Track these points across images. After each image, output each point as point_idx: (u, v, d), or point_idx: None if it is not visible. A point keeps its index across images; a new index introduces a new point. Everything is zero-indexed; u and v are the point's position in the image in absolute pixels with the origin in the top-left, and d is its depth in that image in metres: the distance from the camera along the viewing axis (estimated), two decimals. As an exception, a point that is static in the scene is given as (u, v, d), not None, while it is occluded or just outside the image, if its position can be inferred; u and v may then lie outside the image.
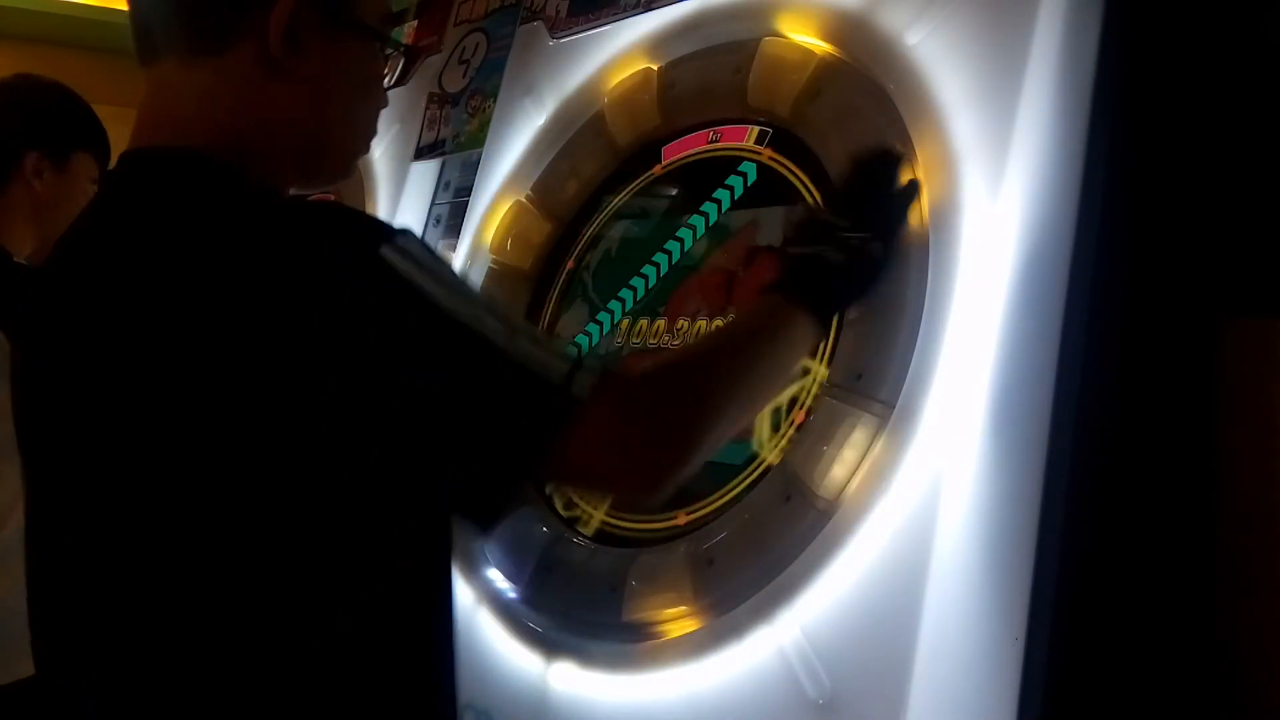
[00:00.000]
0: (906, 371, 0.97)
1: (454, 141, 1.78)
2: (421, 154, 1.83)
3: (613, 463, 0.74)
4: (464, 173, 1.70)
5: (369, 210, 1.88)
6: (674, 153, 1.34)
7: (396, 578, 0.74)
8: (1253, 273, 0.97)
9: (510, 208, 1.49)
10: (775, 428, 1.08)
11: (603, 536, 1.19)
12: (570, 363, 0.72)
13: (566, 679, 1.12)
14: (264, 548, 0.69)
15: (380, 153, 1.87)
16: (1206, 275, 0.99)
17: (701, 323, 1.21)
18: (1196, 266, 0.99)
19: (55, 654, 0.81)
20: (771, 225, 1.17)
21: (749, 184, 1.23)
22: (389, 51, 0.87)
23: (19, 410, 0.83)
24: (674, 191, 1.34)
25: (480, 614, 1.23)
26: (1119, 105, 0.91)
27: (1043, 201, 0.91)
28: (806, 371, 1.06)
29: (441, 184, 1.76)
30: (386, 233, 0.71)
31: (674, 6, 1.36)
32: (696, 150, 1.32)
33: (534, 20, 1.62)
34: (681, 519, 1.12)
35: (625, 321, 1.31)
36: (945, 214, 0.99)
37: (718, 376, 0.80)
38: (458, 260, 1.55)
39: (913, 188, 0.99)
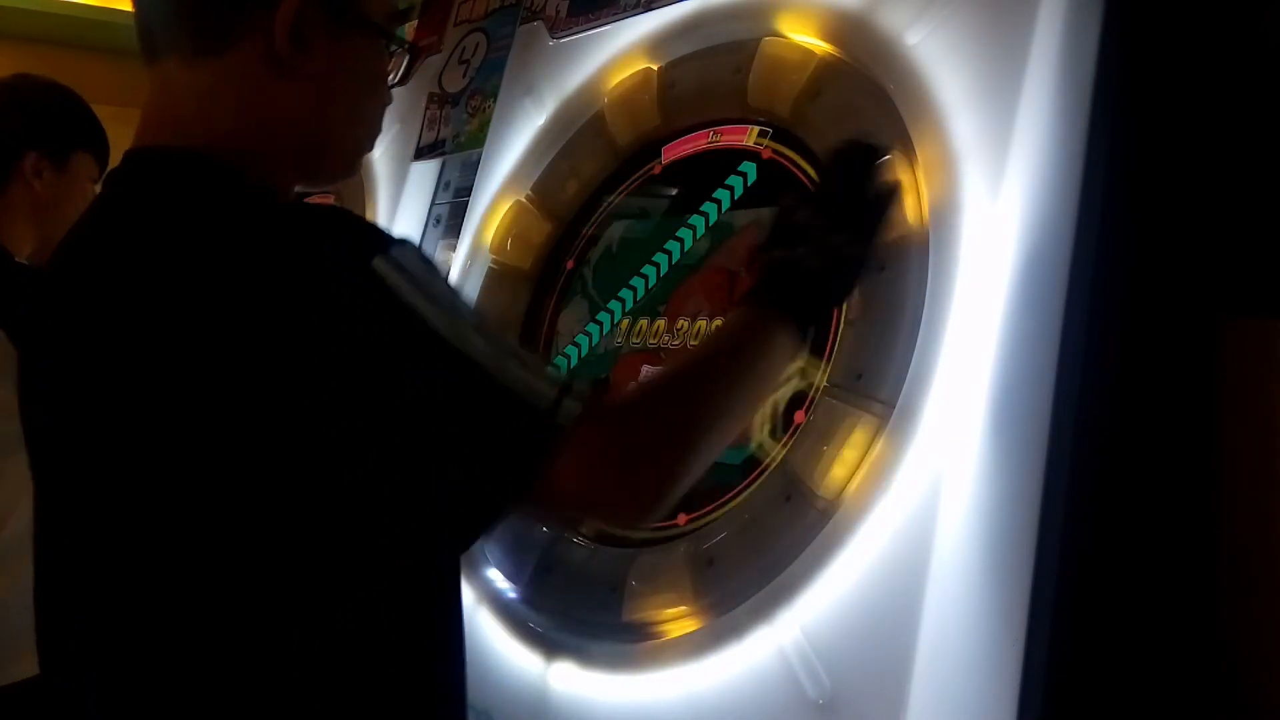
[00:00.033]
0: (906, 371, 0.97)
1: (454, 141, 1.78)
2: (421, 154, 1.83)
3: (599, 489, 0.73)
4: (464, 173, 1.70)
5: (369, 211, 1.89)
6: (674, 152, 1.34)
7: (400, 578, 0.74)
8: (1253, 273, 0.97)
9: (510, 208, 1.49)
10: (774, 434, 1.09)
11: (603, 537, 1.19)
12: (558, 387, 0.71)
13: (566, 679, 1.12)
14: (262, 547, 0.69)
15: (380, 153, 1.87)
16: (1206, 275, 0.99)
17: (702, 322, 1.21)
18: (1196, 266, 0.99)
19: (58, 654, 0.81)
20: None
21: (749, 184, 1.23)
22: (393, 49, 0.86)
23: (25, 412, 0.83)
24: (674, 191, 1.34)
25: (480, 614, 1.23)
26: (1119, 105, 0.91)
27: (1043, 201, 0.91)
28: (805, 374, 1.06)
29: (441, 184, 1.76)
30: (381, 243, 0.70)
31: (674, 6, 1.36)
32: (696, 150, 1.32)
33: (534, 20, 1.62)
34: (682, 519, 1.12)
35: (625, 321, 1.31)
36: (945, 214, 0.99)
37: (701, 397, 0.79)
38: (458, 260, 1.55)
39: (894, 183, 0.96)
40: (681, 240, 1.28)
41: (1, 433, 1.44)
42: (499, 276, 1.47)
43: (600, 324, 1.34)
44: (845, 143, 0.96)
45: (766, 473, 1.07)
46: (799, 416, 1.06)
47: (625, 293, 1.32)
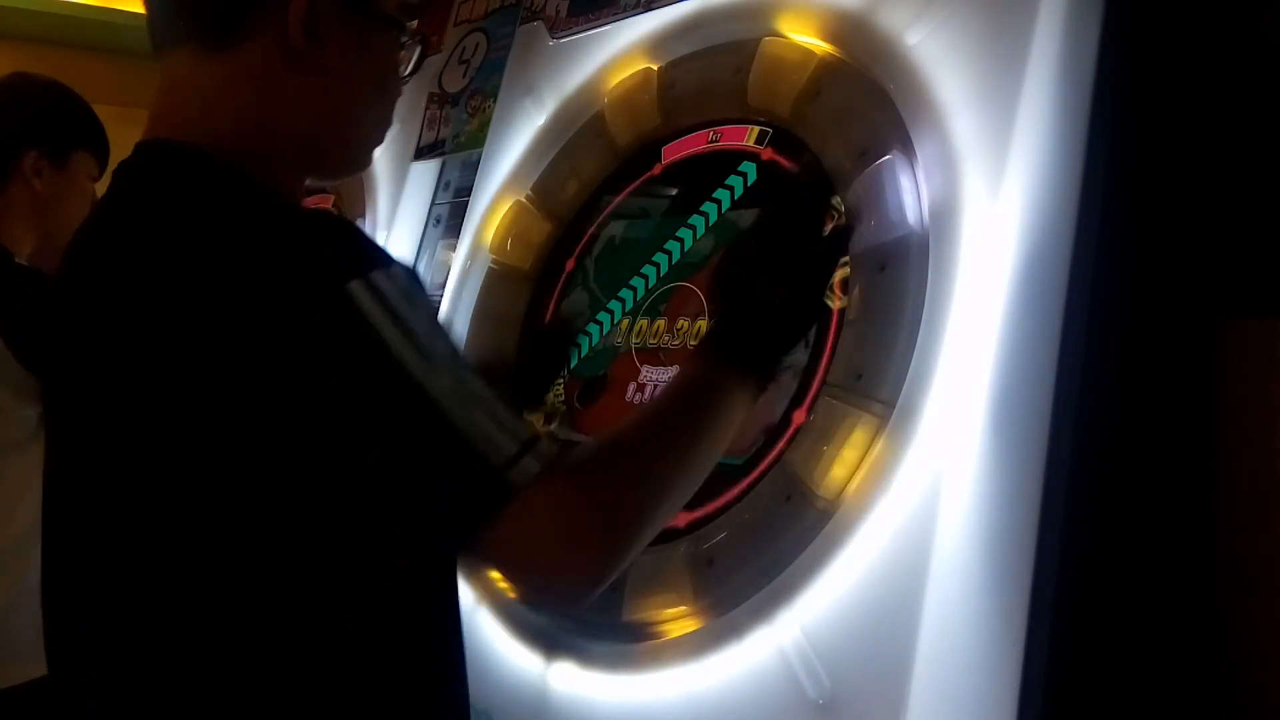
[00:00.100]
0: (906, 371, 0.97)
1: (454, 141, 1.78)
2: (421, 154, 1.83)
3: (537, 563, 0.70)
4: (464, 173, 1.70)
5: (369, 211, 1.89)
6: (674, 153, 1.34)
7: (396, 578, 0.74)
8: (1253, 273, 0.97)
9: (510, 208, 1.49)
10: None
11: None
12: (519, 443, 0.68)
13: (566, 679, 1.12)
14: (252, 545, 0.69)
15: (380, 153, 1.87)
16: (1206, 275, 0.99)
17: (701, 322, 1.21)
18: (1196, 266, 0.99)
19: (63, 655, 0.81)
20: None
21: (749, 184, 1.23)
22: (405, 41, 0.86)
23: (44, 414, 0.84)
24: (674, 191, 1.34)
25: (480, 614, 1.23)
26: (1119, 105, 0.91)
27: (1043, 201, 0.91)
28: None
29: (441, 184, 1.76)
30: (364, 265, 0.68)
31: (674, 6, 1.36)
32: (696, 150, 1.32)
33: (534, 20, 1.62)
34: (681, 520, 1.12)
35: (625, 321, 1.31)
36: (945, 214, 0.99)
37: (660, 469, 0.76)
38: (458, 260, 1.55)
39: (837, 232, 0.94)
40: (681, 240, 1.28)
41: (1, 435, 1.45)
42: (499, 276, 1.47)
43: (600, 324, 1.34)
44: (787, 184, 0.94)
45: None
46: (799, 416, 1.06)
47: (625, 293, 1.32)
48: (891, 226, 1.02)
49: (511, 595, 1.22)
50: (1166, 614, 0.96)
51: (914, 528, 0.91)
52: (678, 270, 1.27)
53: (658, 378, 1.23)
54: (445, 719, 0.80)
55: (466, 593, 1.25)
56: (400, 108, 0.89)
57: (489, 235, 1.50)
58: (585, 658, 1.11)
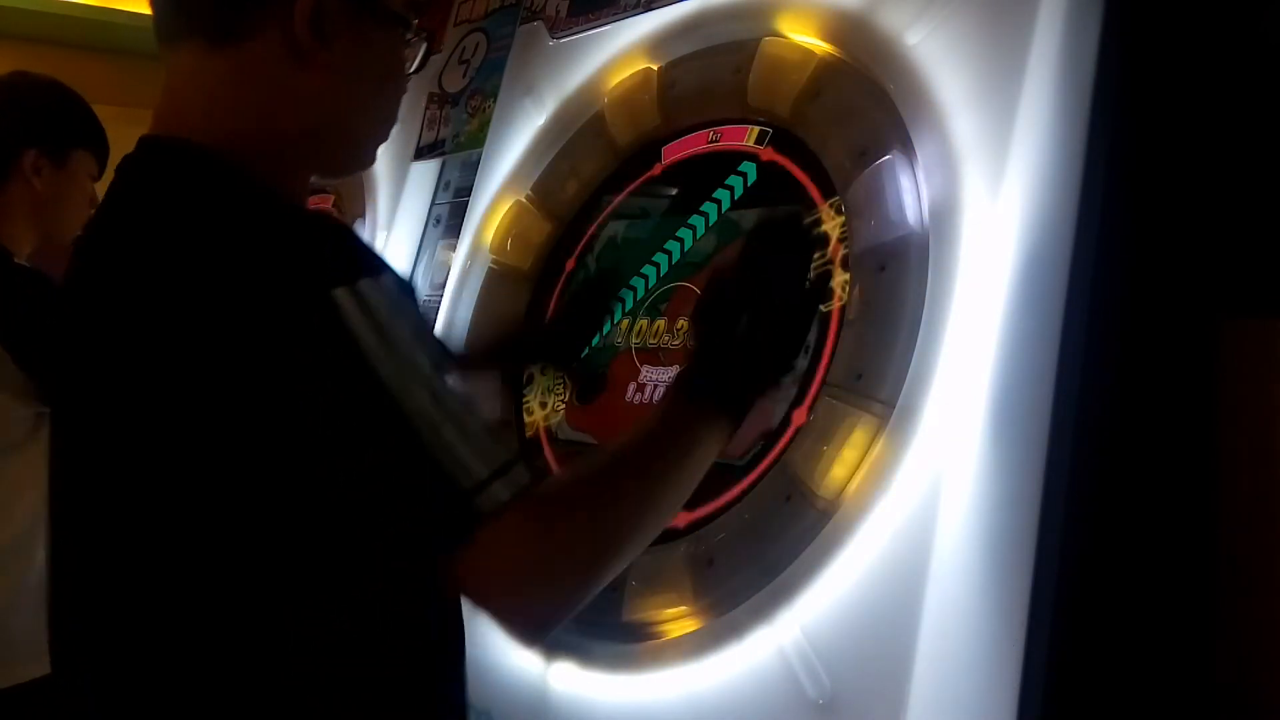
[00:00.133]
0: (906, 371, 0.97)
1: (454, 141, 1.78)
2: (421, 154, 1.83)
3: (496, 596, 0.69)
4: (464, 173, 1.70)
5: (369, 211, 1.88)
6: (674, 153, 1.34)
7: (394, 578, 0.73)
8: (1253, 273, 0.97)
9: (510, 208, 1.49)
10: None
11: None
12: (491, 469, 0.67)
13: (566, 679, 1.12)
14: (247, 547, 0.69)
15: (380, 152, 1.87)
16: (1206, 275, 0.99)
17: (701, 323, 1.21)
18: (1196, 266, 0.99)
19: (63, 655, 0.81)
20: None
21: (749, 184, 1.23)
22: (411, 38, 0.86)
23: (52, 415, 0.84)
24: (674, 191, 1.34)
25: (480, 614, 1.23)
26: (1119, 105, 0.91)
27: (1043, 201, 0.91)
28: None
29: (441, 184, 1.76)
30: (352, 272, 0.67)
31: (674, 6, 1.36)
32: (697, 150, 1.32)
33: (534, 20, 1.62)
34: (682, 519, 1.12)
35: (625, 321, 1.31)
36: (945, 214, 0.99)
37: (625, 511, 0.76)
38: (458, 260, 1.55)
39: (822, 276, 0.95)
40: (681, 240, 1.28)
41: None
42: (499, 276, 1.47)
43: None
44: (773, 217, 0.94)
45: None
46: (799, 416, 1.06)
47: (625, 292, 1.32)
48: (891, 226, 1.02)
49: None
50: (1167, 614, 0.96)
51: (914, 528, 0.91)
52: (678, 270, 1.27)
53: (658, 378, 1.23)
54: (444, 718, 0.80)
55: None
56: (400, 107, 0.89)
57: (489, 235, 1.50)
58: (585, 658, 1.11)
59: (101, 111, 1.62)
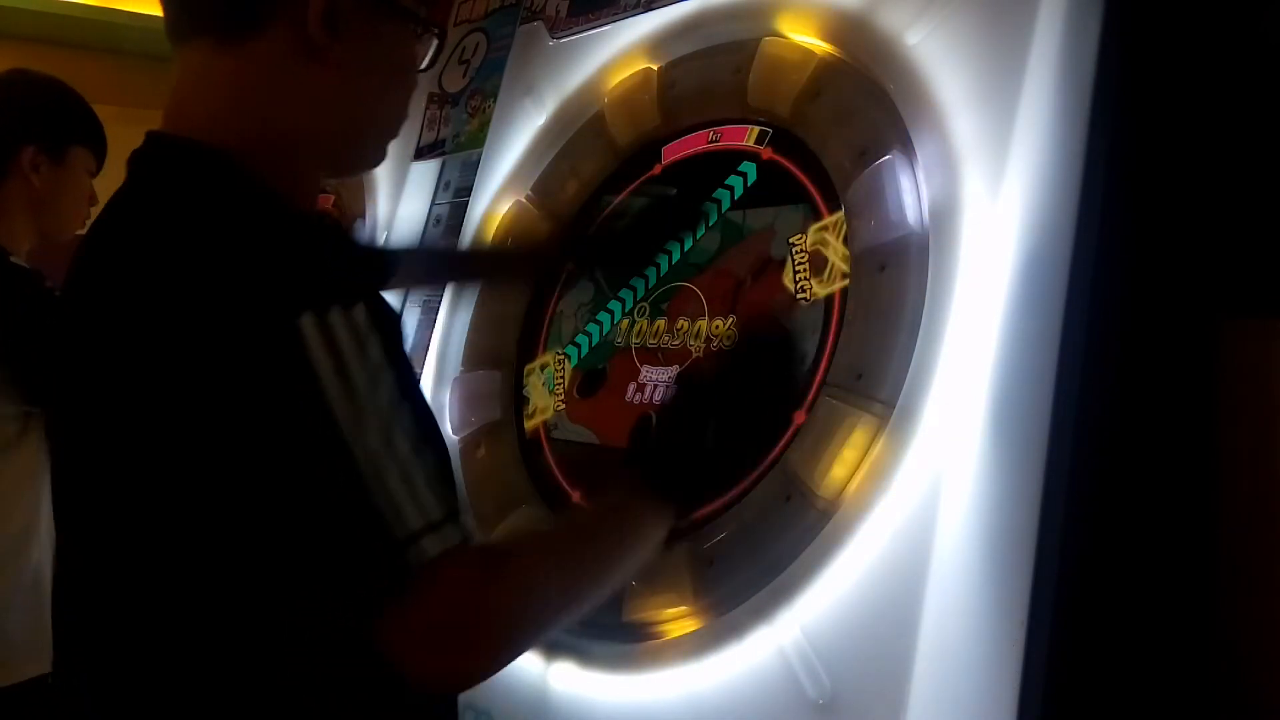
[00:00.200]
0: (906, 371, 0.97)
1: (454, 141, 1.78)
2: (421, 154, 1.83)
3: (411, 650, 0.67)
4: (464, 173, 1.70)
5: (369, 211, 1.88)
6: (674, 153, 1.34)
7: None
8: (1253, 273, 0.97)
9: (510, 208, 1.49)
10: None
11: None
12: (427, 521, 0.66)
13: (566, 679, 1.12)
14: (231, 549, 0.69)
15: (380, 152, 1.87)
16: (1206, 275, 0.99)
17: (701, 323, 1.21)
18: (1196, 266, 0.99)
19: (62, 654, 0.82)
20: (784, 231, 1.17)
21: (749, 184, 1.23)
22: (422, 33, 0.86)
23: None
24: (674, 191, 1.34)
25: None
26: (1119, 105, 0.91)
27: (1043, 201, 0.91)
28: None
29: (441, 184, 1.76)
30: (323, 300, 0.66)
31: (674, 6, 1.36)
32: (697, 150, 1.31)
33: (534, 20, 1.62)
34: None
35: (625, 321, 1.31)
36: (945, 214, 0.99)
37: (560, 585, 0.76)
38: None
39: (798, 370, 0.97)
40: (681, 240, 1.28)
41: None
42: (499, 276, 1.47)
43: (600, 324, 1.34)
44: (766, 329, 0.99)
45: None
46: (799, 416, 1.06)
47: (625, 292, 1.32)
48: (891, 226, 1.02)
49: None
50: (1167, 614, 0.96)
51: (914, 528, 0.91)
52: (678, 270, 1.27)
53: (657, 378, 1.23)
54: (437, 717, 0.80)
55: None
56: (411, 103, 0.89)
57: (489, 235, 1.50)
58: (585, 658, 1.11)
59: (101, 111, 1.62)
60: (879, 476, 0.96)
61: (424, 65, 0.88)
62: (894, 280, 1.00)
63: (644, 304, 1.29)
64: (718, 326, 1.19)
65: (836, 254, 1.09)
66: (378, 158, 0.89)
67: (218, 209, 0.73)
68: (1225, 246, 0.99)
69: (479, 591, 0.68)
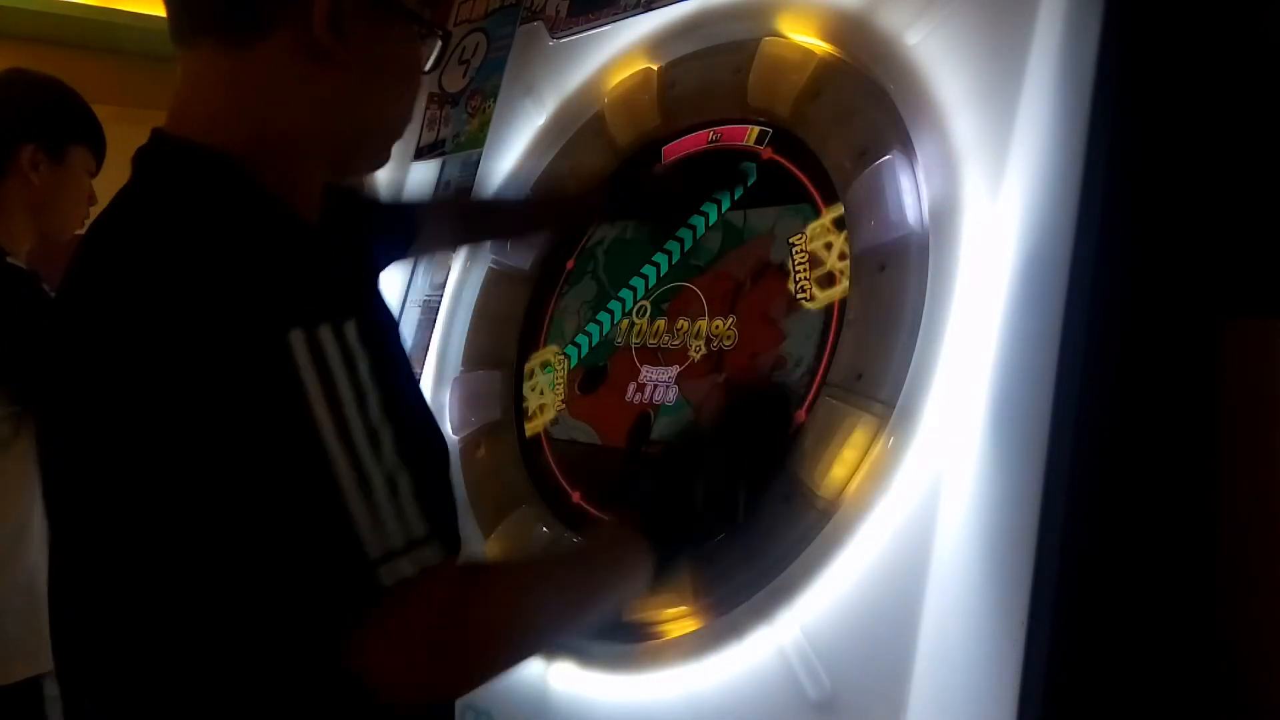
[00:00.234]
0: (906, 371, 0.97)
1: (454, 141, 1.78)
2: (421, 154, 1.83)
3: (382, 668, 0.67)
4: (464, 173, 1.70)
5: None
6: (674, 153, 1.34)
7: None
8: (1253, 273, 0.97)
9: (510, 208, 1.49)
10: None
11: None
12: (406, 540, 0.66)
13: (566, 679, 1.12)
14: (222, 555, 0.69)
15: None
16: (1206, 275, 0.99)
17: (701, 322, 1.21)
18: (1196, 266, 0.99)
19: (59, 652, 0.82)
20: (784, 233, 1.17)
21: (749, 184, 1.23)
22: (426, 35, 0.86)
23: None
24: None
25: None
26: (1119, 105, 0.91)
27: (1043, 201, 0.91)
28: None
29: (441, 184, 1.76)
30: (314, 315, 0.66)
31: (674, 6, 1.36)
32: (697, 150, 1.31)
33: (534, 20, 1.62)
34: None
35: (625, 322, 1.31)
36: (945, 214, 0.99)
37: (533, 620, 0.76)
38: (458, 260, 1.55)
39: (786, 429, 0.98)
40: (682, 240, 1.28)
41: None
42: (499, 276, 1.47)
43: (600, 324, 1.34)
44: (760, 388, 1.00)
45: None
46: (799, 416, 1.06)
47: (625, 293, 1.32)
48: (891, 226, 1.02)
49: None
50: (1167, 614, 0.96)
51: (914, 528, 0.91)
52: (678, 270, 1.27)
53: (657, 378, 1.23)
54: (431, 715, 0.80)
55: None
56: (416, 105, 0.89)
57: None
58: (585, 658, 1.11)
59: (101, 111, 1.62)
60: (879, 476, 0.96)
61: (428, 67, 0.87)
62: (894, 280, 1.00)
63: (644, 303, 1.29)
64: (718, 326, 1.19)
65: (835, 256, 1.09)
66: (381, 160, 0.89)
67: (215, 217, 0.72)
68: (1225, 246, 0.99)
69: (454, 613, 0.68)
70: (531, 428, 1.35)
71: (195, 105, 0.79)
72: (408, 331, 1.62)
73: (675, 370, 1.21)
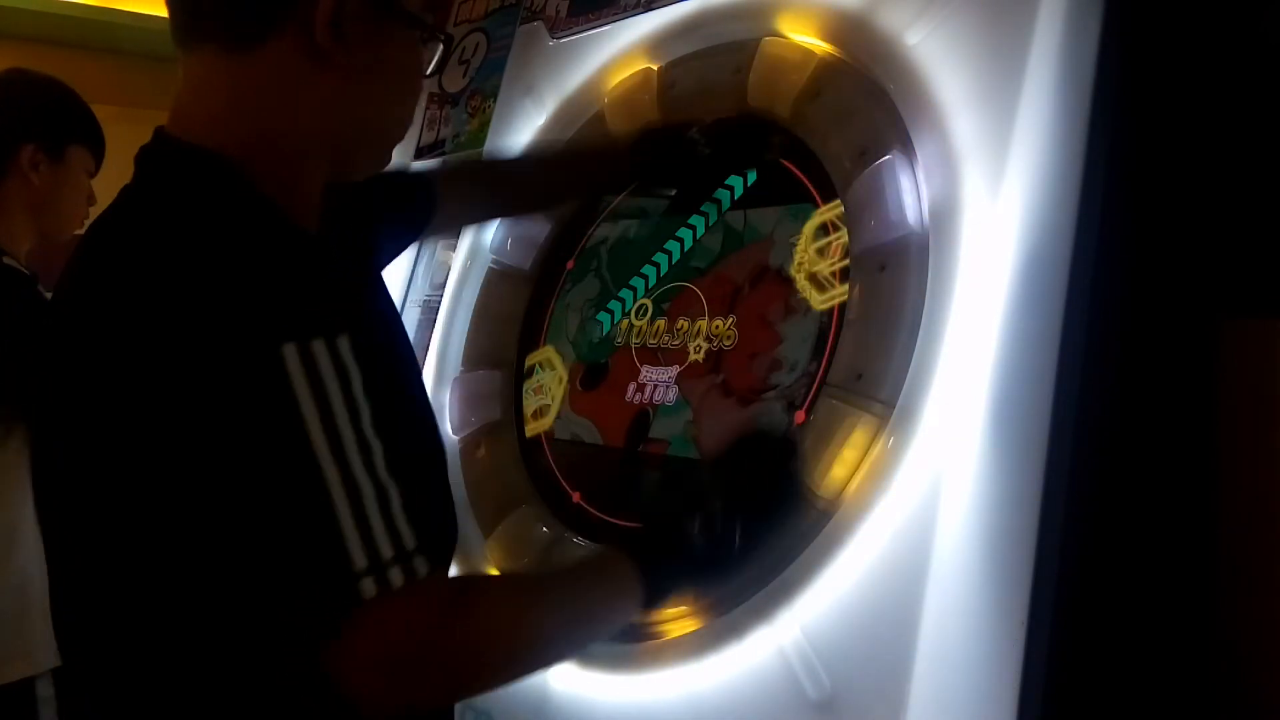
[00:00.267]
0: (906, 371, 0.97)
1: (454, 141, 1.78)
2: (421, 154, 1.83)
3: (360, 681, 0.67)
4: (464, 173, 1.70)
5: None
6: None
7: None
8: (1253, 273, 0.97)
9: (510, 207, 1.49)
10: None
11: (603, 537, 1.19)
12: (394, 552, 0.66)
13: (566, 679, 1.12)
14: (208, 563, 0.69)
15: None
16: (1206, 275, 0.99)
17: (702, 322, 1.21)
18: (1196, 266, 0.99)
19: (62, 652, 0.82)
20: (784, 235, 1.17)
21: (749, 184, 1.23)
22: (426, 40, 0.86)
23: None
24: (674, 191, 1.34)
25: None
26: (1119, 105, 0.91)
27: (1043, 201, 0.91)
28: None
29: (441, 184, 1.76)
30: (308, 329, 0.66)
31: (674, 6, 1.36)
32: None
33: (534, 20, 1.62)
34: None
35: (625, 322, 1.31)
36: (945, 214, 0.99)
37: (533, 634, 0.76)
38: (458, 260, 1.55)
39: (795, 483, 0.98)
40: (682, 240, 1.28)
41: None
42: (499, 276, 1.47)
43: (600, 324, 1.34)
44: (764, 426, 1.01)
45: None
46: (799, 416, 1.06)
47: (625, 293, 1.32)
48: (891, 226, 1.02)
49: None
50: (1166, 614, 0.96)
51: (914, 528, 0.91)
52: (678, 271, 1.27)
53: (657, 378, 1.23)
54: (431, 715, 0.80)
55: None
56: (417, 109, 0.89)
57: (489, 235, 1.50)
58: (585, 658, 1.11)
59: (101, 111, 1.62)
60: (879, 476, 0.96)
61: (429, 71, 0.87)
62: (894, 280, 1.00)
63: (645, 303, 1.29)
64: (718, 326, 1.19)
65: (835, 256, 1.09)
66: (381, 163, 0.89)
67: (213, 225, 0.72)
68: (1225, 246, 0.99)
69: (437, 629, 0.68)
70: (533, 429, 1.35)
71: (196, 107, 0.79)
72: (408, 331, 1.62)
73: (675, 370, 1.21)
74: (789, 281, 1.13)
